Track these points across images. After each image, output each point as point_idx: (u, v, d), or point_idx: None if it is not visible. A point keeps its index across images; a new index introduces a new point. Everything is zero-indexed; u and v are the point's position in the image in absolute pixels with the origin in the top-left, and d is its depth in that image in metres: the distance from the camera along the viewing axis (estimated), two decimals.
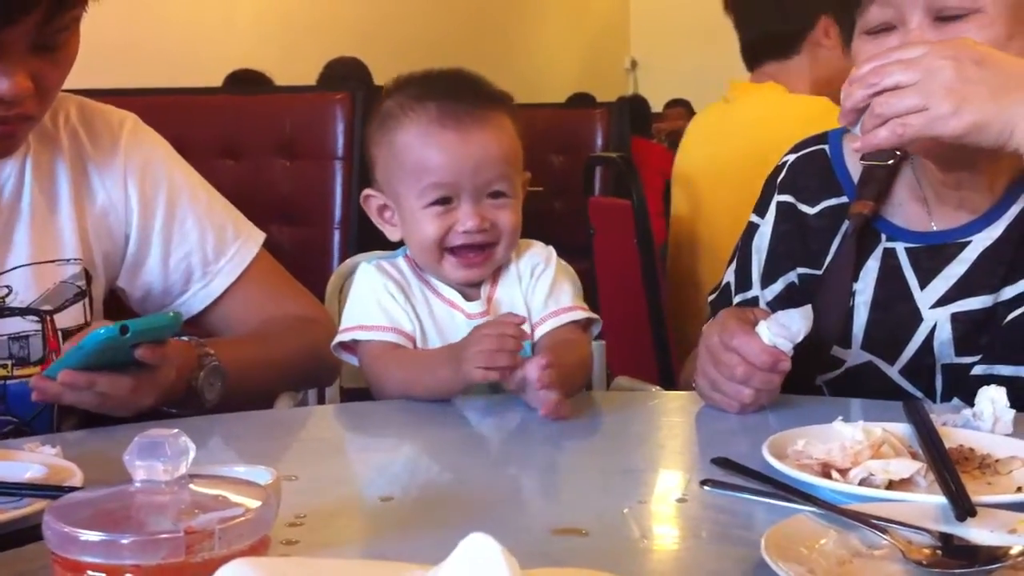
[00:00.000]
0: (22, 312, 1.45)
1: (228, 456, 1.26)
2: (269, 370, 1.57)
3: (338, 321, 1.57)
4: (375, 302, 1.49)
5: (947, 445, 1.09)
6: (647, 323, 2.59)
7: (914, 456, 1.08)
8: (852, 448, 1.05)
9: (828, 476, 1.02)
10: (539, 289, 1.51)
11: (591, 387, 1.65)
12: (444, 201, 1.47)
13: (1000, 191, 1.43)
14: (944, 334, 1.41)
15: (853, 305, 1.47)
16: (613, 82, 10.66)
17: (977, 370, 1.39)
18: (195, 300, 1.61)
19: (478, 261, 1.49)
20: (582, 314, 1.51)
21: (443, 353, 1.42)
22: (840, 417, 1.14)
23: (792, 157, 1.61)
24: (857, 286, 1.47)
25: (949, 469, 1.00)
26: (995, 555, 0.83)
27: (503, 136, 1.49)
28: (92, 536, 0.67)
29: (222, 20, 6.71)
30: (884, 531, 0.87)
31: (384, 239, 1.57)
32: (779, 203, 1.58)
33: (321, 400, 1.79)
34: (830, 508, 0.91)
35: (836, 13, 2.48)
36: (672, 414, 1.48)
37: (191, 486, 0.73)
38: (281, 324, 1.62)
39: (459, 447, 1.30)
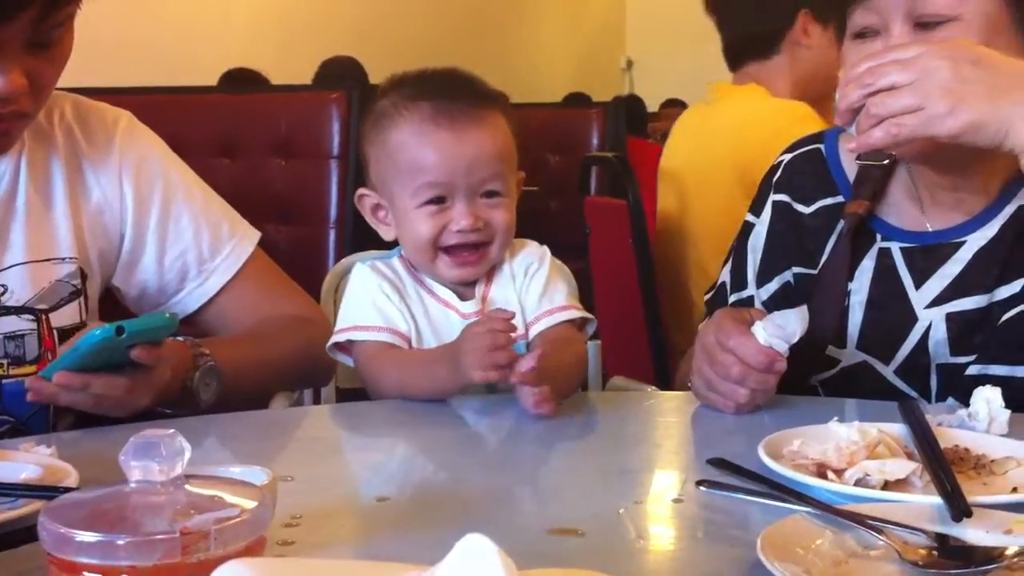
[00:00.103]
0: (17, 311, 1.45)
1: (224, 456, 1.26)
2: (265, 370, 1.57)
3: (333, 321, 1.57)
4: (370, 302, 1.49)
5: (943, 445, 1.09)
6: (643, 323, 2.59)
7: (910, 456, 1.08)
8: (848, 448, 1.05)
9: (824, 476, 1.02)
10: (533, 288, 1.51)
11: (587, 387, 1.65)
12: (438, 200, 1.47)
13: (995, 191, 1.43)
14: (939, 334, 1.41)
15: (848, 305, 1.47)
16: (609, 82, 10.67)
17: (972, 370, 1.39)
18: (190, 299, 1.61)
19: (472, 260, 1.49)
20: (576, 313, 1.51)
21: (439, 353, 1.42)
22: (836, 417, 1.14)
23: (788, 156, 1.61)
24: (852, 286, 1.47)
25: (945, 469, 1.00)
26: (991, 556, 0.83)
27: (497, 135, 1.49)
28: (88, 537, 0.67)
29: (218, 19, 6.71)
30: (880, 531, 0.87)
31: (380, 238, 1.57)
32: (775, 202, 1.58)
33: (317, 400, 1.79)
34: (826, 508, 0.92)
35: (817, 10, 2.51)
36: (668, 414, 1.48)
37: (187, 487, 0.73)
38: (276, 324, 1.61)
39: (455, 447, 1.30)
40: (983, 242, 1.42)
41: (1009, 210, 1.42)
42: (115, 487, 0.73)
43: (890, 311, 1.44)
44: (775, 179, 1.60)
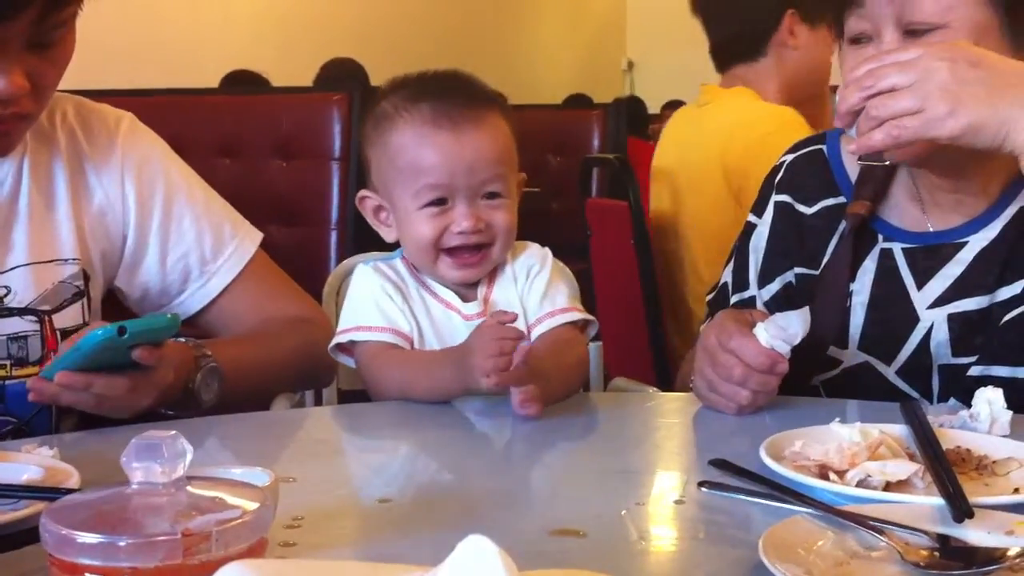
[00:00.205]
0: (20, 312, 1.45)
1: (225, 458, 1.26)
2: (266, 371, 1.57)
3: (335, 323, 1.57)
4: (372, 303, 1.49)
5: (944, 446, 1.09)
6: (644, 324, 2.59)
7: (911, 457, 1.08)
8: (849, 449, 1.05)
9: (825, 477, 1.02)
10: (535, 290, 1.51)
11: (588, 388, 1.65)
12: (439, 202, 1.47)
13: (996, 193, 1.43)
14: (941, 335, 1.42)
15: (850, 305, 1.47)
16: (610, 83, 10.66)
17: (974, 371, 1.39)
18: (193, 300, 1.61)
19: (473, 261, 1.49)
20: (578, 315, 1.51)
21: (443, 356, 1.42)
22: (837, 418, 1.14)
23: (790, 157, 1.61)
24: (854, 286, 1.47)
25: (946, 470, 1.00)
26: (992, 557, 0.84)
27: (497, 136, 1.49)
28: (89, 538, 0.67)
29: (219, 21, 6.71)
30: (881, 532, 0.87)
31: (381, 240, 1.57)
32: (777, 203, 1.58)
33: (318, 402, 1.79)
34: (827, 509, 0.92)
35: (804, 11, 2.52)
36: (669, 415, 1.48)
37: (188, 488, 0.73)
38: (278, 324, 1.61)
39: (457, 448, 1.30)
40: (985, 243, 1.42)
41: (1010, 211, 1.42)
42: (117, 488, 0.73)
43: (892, 312, 1.44)
44: (777, 180, 1.60)
